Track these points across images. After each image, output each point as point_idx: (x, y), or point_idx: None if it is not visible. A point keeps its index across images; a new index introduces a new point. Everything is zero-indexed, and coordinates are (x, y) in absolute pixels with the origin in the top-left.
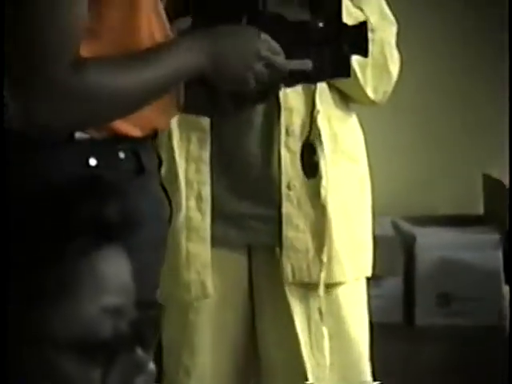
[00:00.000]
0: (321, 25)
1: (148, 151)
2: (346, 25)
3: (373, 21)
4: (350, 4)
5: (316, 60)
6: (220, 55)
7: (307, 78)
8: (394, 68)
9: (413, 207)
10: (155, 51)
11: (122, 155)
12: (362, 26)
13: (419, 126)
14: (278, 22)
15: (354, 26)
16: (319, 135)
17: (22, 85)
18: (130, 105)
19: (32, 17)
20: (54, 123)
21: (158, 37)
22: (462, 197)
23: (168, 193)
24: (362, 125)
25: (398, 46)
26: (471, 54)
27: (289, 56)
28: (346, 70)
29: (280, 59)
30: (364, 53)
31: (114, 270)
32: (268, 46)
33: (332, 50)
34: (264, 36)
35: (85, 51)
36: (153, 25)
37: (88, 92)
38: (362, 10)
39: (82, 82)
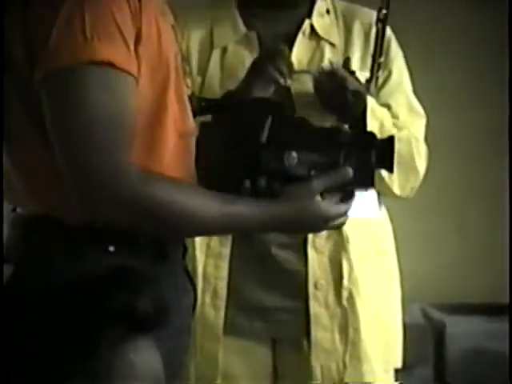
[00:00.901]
0: (349, 133)
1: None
2: (374, 137)
3: (401, 115)
4: (376, 107)
5: (341, 165)
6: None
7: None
8: (422, 164)
9: (442, 294)
10: (232, 197)
11: (142, 241)
12: (390, 141)
13: (448, 213)
14: (303, 126)
15: (382, 140)
16: (345, 234)
17: (84, 184)
18: (192, 229)
19: (90, 122)
20: (114, 221)
21: (179, 125)
22: (492, 284)
23: (193, 280)
24: (390, 211)
25: (426, 138)
26: (499, 140)
27: (315, 157)
28: (369, 182)
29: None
30: (390, 168)
31: (146, 361)
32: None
33: (358, 161)
34: (316, 182)
35: None
36: (177, 113)
37: (154, 201)
38: (389, 106)
39: (151, 192)
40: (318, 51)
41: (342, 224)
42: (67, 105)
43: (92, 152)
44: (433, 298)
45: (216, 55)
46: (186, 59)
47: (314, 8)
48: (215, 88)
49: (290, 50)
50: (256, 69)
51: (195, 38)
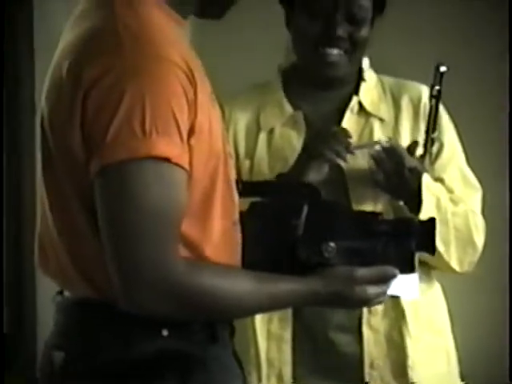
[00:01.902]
0: (387, 219)
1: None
2: (414, 220)
3: (456, 189)
4: (430, 183)
5: (380, 253)
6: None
7: None
8: (479, 238)
9: (498, 378)
10: (271, 275)
11: (195, 325)
12: (431, 223)
13: (501, 291)
14: (340, 210)
15: (422, 222)
16: (402, 312)
17: (132, 277)
18: (237, 311)
19: (141, 217)
20: (159, 313)
21: (228, 210)
22: None
23: (241, 362)
24: (444, 292)
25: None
26: None
27: (354, 246)
28: (410, 267)
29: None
30: (431, 250)
31: None
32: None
33: (398, 245)
34: (360, 272)
35: None
36: (225, 199)
37: (200, 292)
38: (442, 180)
39: (197, 283)
40: (367, 127)
41: (381, 302)
42: (120, 196)
43: (141, 245)
44: (488, 382)
45: (263, 138)
46: (230, 143)
47: (361, 84)
48: (264, 171)
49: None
50: (309, 151)
51: (242, 123)
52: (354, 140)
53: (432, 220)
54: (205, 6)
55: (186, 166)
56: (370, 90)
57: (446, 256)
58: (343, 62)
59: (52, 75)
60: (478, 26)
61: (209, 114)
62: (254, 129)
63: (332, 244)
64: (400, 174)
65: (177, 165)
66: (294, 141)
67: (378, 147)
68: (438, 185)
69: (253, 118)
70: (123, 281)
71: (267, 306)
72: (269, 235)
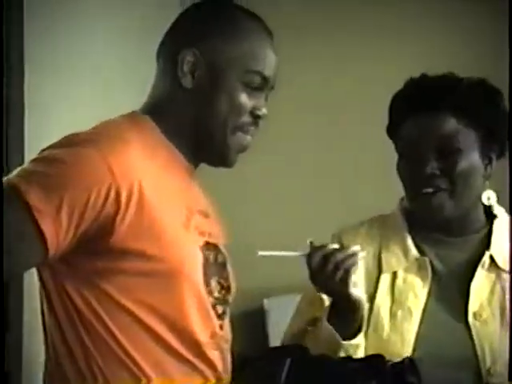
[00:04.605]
0: (359, 365)
1: None
2: (388, 362)
3: None
4: None
5: None
6: None
7: None
8: None
9: None
10: None
11: None
12: (405, 362)
13: None
14: (323, 363)
15: (394, 364)
16: None
17: None
18: None
19: None
20: None
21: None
22: None
23: None
24: None
25: None
26: None
27: None
28: None
29: None
30: None
31: None
32: None
33: None
34: None
35: None
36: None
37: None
38: None
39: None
40: (498, 283)
41: None
42: None
43: None
44: None
45: (385, 280)
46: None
47: (492, 236)
48: (384, 315)
49: (469, 283)
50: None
51: (361, 262)
52: (484, 297)
53: (411, 359)
54: (216, 154)
55: (48, 233)
56: (501, 240)
57: None
58: (444, 202)
59: None
60: None
61: (176, 235)
62: (375, 269)
63: None
64: None
65: (36, 223)
66: (419, 289)
67: None
68: None
69: (374, 255)
70: None
71: None
72: None
